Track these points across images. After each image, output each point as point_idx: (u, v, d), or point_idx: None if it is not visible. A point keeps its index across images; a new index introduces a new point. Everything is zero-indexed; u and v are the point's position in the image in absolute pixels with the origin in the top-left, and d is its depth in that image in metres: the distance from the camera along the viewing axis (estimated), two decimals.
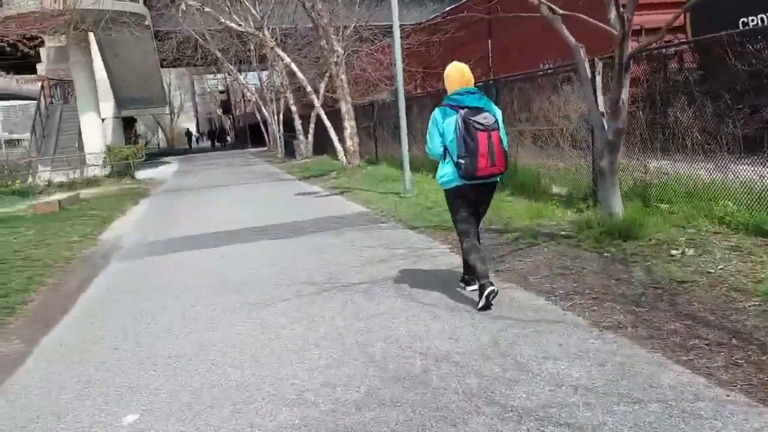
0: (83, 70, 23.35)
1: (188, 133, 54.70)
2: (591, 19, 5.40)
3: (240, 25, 18.16)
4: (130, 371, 3.75)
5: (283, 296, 5.09)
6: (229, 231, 8.65)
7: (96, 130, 23.95)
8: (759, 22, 8.90)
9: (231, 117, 59.98)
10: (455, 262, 5.55)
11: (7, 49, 9.72)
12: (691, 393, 2.83)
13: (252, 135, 42.32)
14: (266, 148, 34.00)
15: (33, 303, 5.66)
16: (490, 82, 11.88)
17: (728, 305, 3.83)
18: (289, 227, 8.51)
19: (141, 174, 21.93)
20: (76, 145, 23.81)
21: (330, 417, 2.92)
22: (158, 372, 3.70)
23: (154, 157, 35.14)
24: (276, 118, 28.20)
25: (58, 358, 4.13)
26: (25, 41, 10.17)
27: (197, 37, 23.88)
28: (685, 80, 6.63)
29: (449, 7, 20.76)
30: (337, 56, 15.27)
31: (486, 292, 4.19)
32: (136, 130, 45.96)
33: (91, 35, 22.48)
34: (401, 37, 11.71)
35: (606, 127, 5.63)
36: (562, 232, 6.17)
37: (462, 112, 4.16)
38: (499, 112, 4.33)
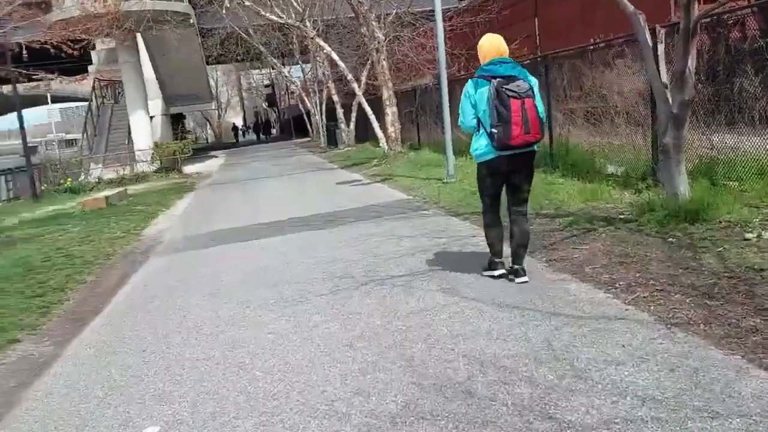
0: (131, 70, 23.73)
1: (234, 128, 55.37)
2: None
3: (281, 18, 17.98)
4: (156, 376, 3.53)
5: (319, 291, 4.80)
6: (269, 222, 8.45)
7: (144, 127, 24.34)
8: None
9: (276, 110, 60.40)
10: (504, 250, 5.14)
11: (52, 51, 9.74)
12: None
13: (296, 126, 42.43)
14: (309, 138, 33.96)
15: (69, 302, 5.56)
16: (538, 59, 11.31)
17: None
18: (329, 217, 8.25)
19: (188, 168, 22.14)
20: (126, 143, 24.28)
21: None
22: (184, 377, 3.47)
23: (202, 152, 35.61)
24: (318, 108, 28.07)
25: (85, 361, 3.96)
26: (69, 43, 10.19)
27: (240, 32, 23.91)
28: (752, 48, 6.01)
29: None
30: (378, 43, 14.90)
31: (495, 273, 4.44)
32: (184, 126, 46.80)
33: (139, 36, 22.83)
34: (444, 20, 11.27)
35: (670, 100, 5.09)
36: (621, 216, 5.68)
37: (495, 81, 4.04)
38: (535, 81, 4.19)
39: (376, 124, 16.40)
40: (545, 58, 9.24)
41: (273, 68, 35.36)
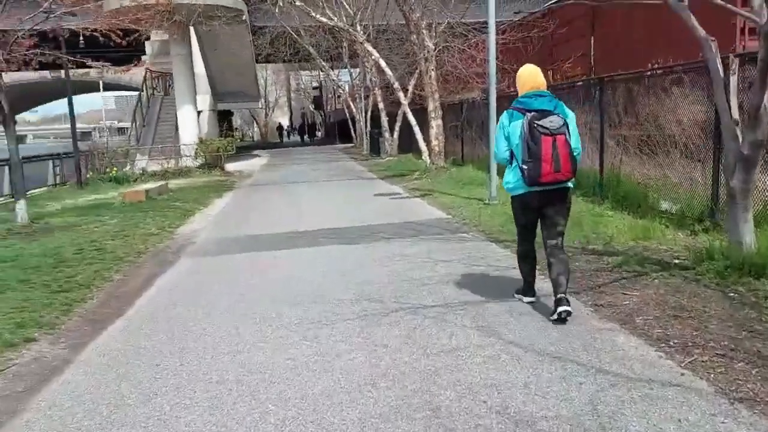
0: (182, 63, 24.03)
1: (279, 128, 55.92)
2: (733, 7, 4.48)
3: (331, 20, 17.91)
4: (165, 397, 3.32)
5: (346, 314, 4.55)
6: (302, 231, 8.26)
7: (191, 122, 24.62)
8: None
9: (322, 113, 60.80)
10: (547, 289, 4.80)
11: (101, 39, 9.81)
12: None
13: (340, 131, 42.57)
14: (353, 144, 33.95)
15: (92, 301, 5.44)
16: (591, 80, 10.88)
17: None
18: (363, 231, 8.01)
19: (231, 166, 22.25)
20: (173, 136, 24.60)
21: None
22: (194, 401, 3.25)
23: (246, 150, 35.95)
24: (363, 114, 27.98)
25: (96, 371, 3.78)
26: (118, 32, 10.25)
27: (291, 32, 24.00)
28: None
29: (550, 3, 19.64)
30: (428, 52, 14.65)
31: (525, 299, 4.49)
32: (231, 123, 47.42)
33: (192, 31, 23.15)
34: (496, 33, 10.95)
35: (740, 139, 4.68)
36: (676, 261, 5.26)
37: (529, 115, 4.00)
38: (572, 116, 4.14)
39: (419, 136, 16.14)
40: (601, 81, 8.82)
41: (321, 71, 35.50)
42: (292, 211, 10.44)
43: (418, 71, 17.32)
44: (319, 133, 59.09)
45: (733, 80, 4.84)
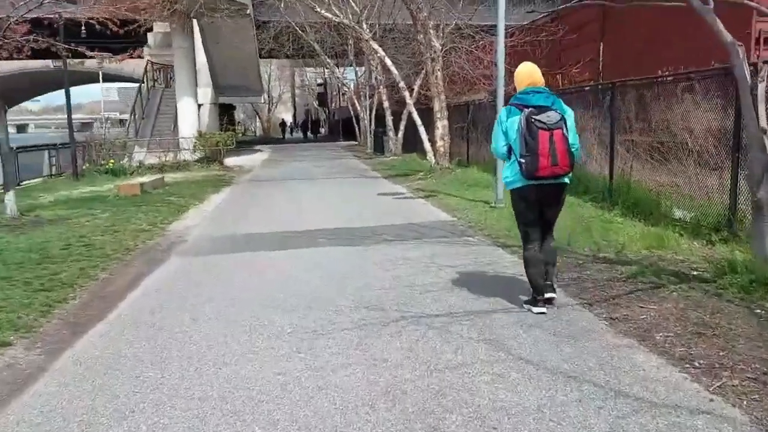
0: (184, 56, 23.73)
1: (282, 124, 55.52)
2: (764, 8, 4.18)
3: (337, 17, 17.61)
4: (142, 415, 3.02)
5: (344, 324, 4.25)
6: (301, 231, 7.96)
7: (191, 115, 24.31)
8: None
9: (326, 110, 60.46)
10: (559, 299, 4.50)
11: (98, 28, 9.51)
12: None
13: (344, 128, 42.27)
14: (357, 142, 33.64)
15: (74, 302, 5.13)
16: (599, 86, 10.58)
17: None
18: (366, 232, 7.71)
19: (230, 161, 21.93)
20: (172, 129, 24.28)
21: None
22: (172, 422, 2.94)
23: (247, 145, 35.64)
24: (368, 113, 27.68)
25: (71, 381, 3.48)
26: (116, 20, 9.95)
27: (296, 27, 23.68)
28: None
29: (559, 7, 19.35)
30: (434, 52, 14.35)
31: (535, 310, 4.24)
32: (233, 117, 47.09)
33: (196, 23, 22.83)
34: (504, 36, 10.64)
35: None
36: (694, 272, 4.96)
37: (526, 111, 4.07)
38: (570, 113, 4.22)
39: (425, 136, 15.84)
40: (613, 86, 8.51)
41: (326, 68, 35.21)
42: (291, 209, 10.14)
43: (424, 71, 17.02)
44: (323, 130, 58.73)
45: (762, 87, 4.54)
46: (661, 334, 3.77)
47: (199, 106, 25.95)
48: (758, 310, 4.03)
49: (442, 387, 3.18)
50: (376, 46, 16.95)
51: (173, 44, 23.58)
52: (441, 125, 14.51)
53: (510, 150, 4.21)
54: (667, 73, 8.51)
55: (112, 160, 19.06)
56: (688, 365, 3.32)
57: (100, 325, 4.49)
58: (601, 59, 17.80)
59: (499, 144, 4.30)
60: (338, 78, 33.47)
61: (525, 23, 19.47)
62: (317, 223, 8.55)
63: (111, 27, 9.60)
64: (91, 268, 6.25)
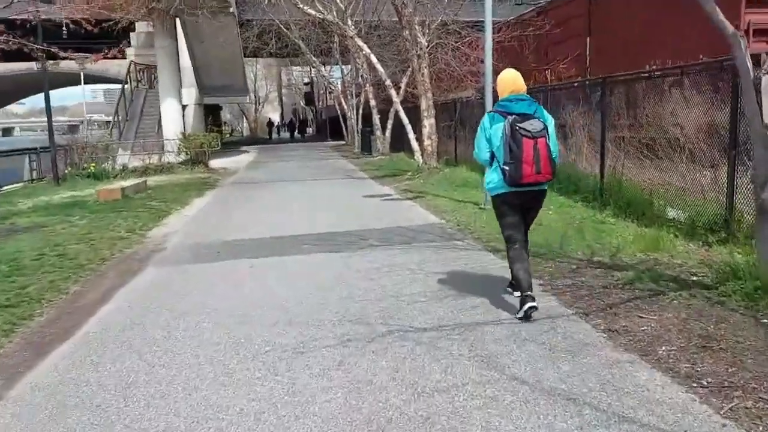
0: (166, 55, 23.33)
1: (270, 124, 55.06)
2: None
3: (321, 13, 17.29)
4: None
5: (326, 340, 3.98)
6: (284, 237, 7.67)
7: (175, 116, 23.90)
8: None
9: (313, 109, 60.06)
10: (553, 308, 4.26)
11: (72, 27, 9.16)
12: None
13: (332, 128, 41.94)
14: (344, 141, 33.35)
15: (40, 319, 4.83)
16: (587, 82, 10.37)
17: None
18: (351, 237, 7.44)
19: (216, 162, 21.56)
20: (156, 131, 23.84)
21: None
22: None
23: (234, 146, 35.24)
24: (355, 112, 27.39)
25: (26, 411, 3.19)
26: (90, 20, 9.59)
27: (280, 25, 23.34)
28: None
29: (545, 1, 19.15)
30: (420, 49, 14.09)
31: (525, 307, 4.10)
32: (219, 118, 46.60)
33: (179, 22, 22.41)
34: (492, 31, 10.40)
35: None
36: (693, 278, 4.74)
37: (510, 118, 4.12)
38: (551, 120, 4.28)
39: (412, 135, 15.59)
40: (604, 81, 8.29)
41: (312, 67, 34.87)
42: (274, 214, 9.84)
43: (410, 69, 16.76)
44: (310, 130, 58.30)
45: (766, 80, 4.31)
46: (663, 348, 3.53)
47: (184, 107, 25.54)
48: (765, 320, 3.80)
49: (430, 413, 2.92)
50: (361, 43, 16.67)
51: (155, 44, 23.17)
52: (428, 124, 14.27)
53: (493, 156, 4.26)
54: (656, 67, 8.33)
55: (93, 164, 18.64)
56: (695, 384, 3.09)
57: (65, 345, 4.19)
58: (588, 55, 17.63)
59: (482, 150, 4.34)
60: (324, 77, 33.09)
61: (511, 18, 19.27)
62: (302, 227, 8.27)
63: (85, 26, 9.22)
64: (62, 280, 5.95)
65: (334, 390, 3.24)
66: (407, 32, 14.14)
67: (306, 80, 58.27)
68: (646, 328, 3.84)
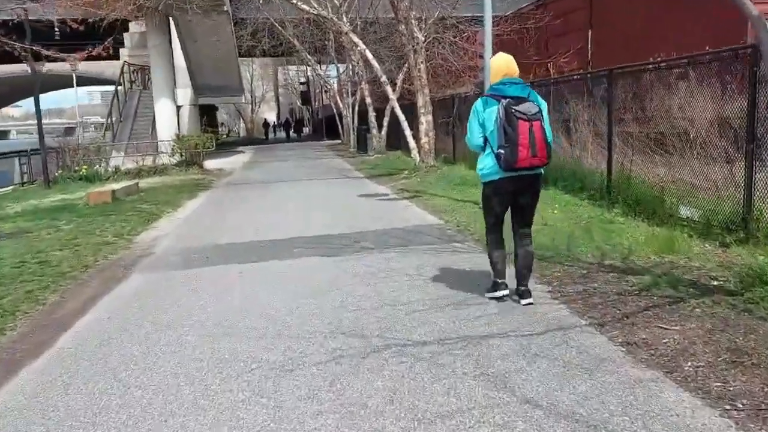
0: (159, 55, 22.96)
1: (266, 124, 54.65)
2: None
3: (314, 9, 16.94)
4: None
5: (317, 355, 3.65)
6: (277, 240, 7.34)
7: (169, 116, 23.55)
8: None
9: (310, 108, 59.66)
10: (564, 318, 3.93)
11: (56, 25, 8.82)
12: None
13: (328, 127, 41.58)
14: (340, 141, 33.00)
15: (12, 333, 4.48)
16: (590, 74, 10.03)
17: None
18: (346, 239, 7.10)
19: (211, 163, 21.19)
20: (150, 132, 23.48)
21: None
22: None
23: (230, 146, 34.87)
24: (351, 110, 27.03)
25: None
26: (75, 19, 9.25)
27: (275, 23, 22.98)
28: None
29: None
30: (417, 43, 13.75)
31: (497, 295, 4.38)
32: (215, 118, 46.19)
33: (172, 21, 22.03)
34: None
35: None
36: (714, 282, 4.41)
37: (504, 101, 4.04)
38: (544, 104, 4.20)
39: (408, 133, 15.25)
40: (610, 73, 7.96)
41: (307, 65, 34.51)
42: (268, 215, 9.51)
43: (406, 65, 16.43)
44: (307, 129, 57.88)
45: None
46: (689, 363, 3.20)
47: (179, 107, 25.18)
48: None
49: None
50: (356, 38, 16.31)
51: (148, 43, 22.83)
52: (425, 120, 13.93)
53: (486, 142, 4.16)
54: (663, 57, 8.00)
55: (85, 166, 18.27)
56: (729, 406, 2.75)
57: (36, 363, 3.85)
58: (590, 48, 17.30)
59: (474, 135, 4.24)
60: (320, 75, 32.73)
61: (509, 12, 18.94)
62: (295, 229, 7.93)
63: (70, 24, 8.87)
64: (40, 290, 5.60)
65: (324, 415, 2.90)
66: (403, 26, 13.79)
67: (302, 80, 57.87)
68: (668, 340, 3.50)
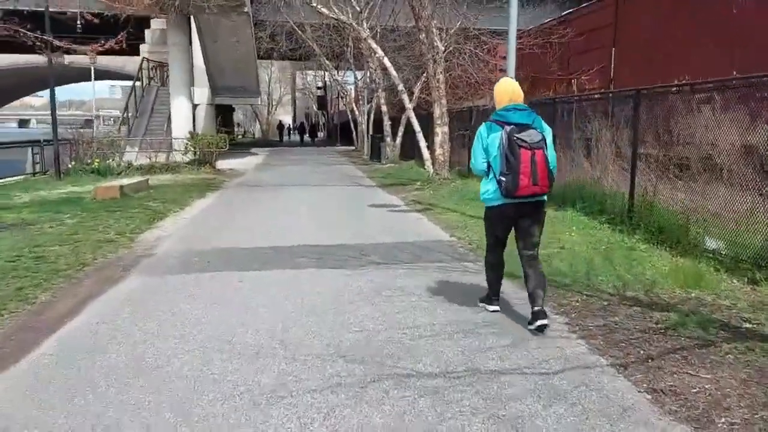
0: (179, 52, 22.88)
1: (280, 126, 54.59)
2: None
3: (334, 12, 16.77)
4: None
5: (312, 382, 3.36)
6: (282, 247, 7.08)
7: (184, 114, 23.44)
8: None
9: (325, 114, 59.65)
10: (583, 356, 3.62)
11: (65, 18, 8.68)
12: None
13: (342, 133, 41.48)
14: (354, 147, 32.82)
15: None
16: (619, 93, 9.73)
17: None
18: (353, 251, 6.83)
19: (223, 164, 21.02)
20: (165, 129, 23.39)
21: None
22: None
23: (244, 147, 34.78)
24: (366, 117, 26.83)
25: None
26: (91, 13, 9.11)
27: (294, 26, 22.86)
28: None
29: (568, 10, 18.54)
30: (437, 53, 13.50)
31: (489, 308, 4.55)
32: (232, 119, 46.19)
33: (193, 20, 21.96)
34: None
35: None
36: (746, 324, 4.07)
37: (507, 128, 4.04)
38: (549, 131, 4.21)
39: (423, 143, 14.99)
40: (637, 93, 7.64)
41: (325, 70, 34.42)
42: (276, 220, 9.25)
43: (424, 74, 16.19)
44: (321, 134, 57.81)
45: None
46: (723, 419, 2.88)
47: (195, 106, 25.10)
48: None
49: None
50: (374, 45, 16.11)
51: (168, 40, 22.77)
52: (441, 132, 13.65)
53: (489, 167, 4.18)
54: (686, 81, 7.69)
55: (98, 160, 18.16)
56: None
57: (10, 371, 3.60)
58: (612, 66, 16.98)
59: (478, 160, 4.25)
60: (337, 80, 32.61)
61: (532, 27, 18.67)
62: (302, 237, 7.67)
63: (86, 17, 8.71)
64: (32, 287, 5.37)
65: None
66: (424, 35, 13.55)
67: (319, 84, 57.87)
68: (698, 390, 3.18)
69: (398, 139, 21.88)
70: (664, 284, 5.06)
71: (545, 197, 4.20)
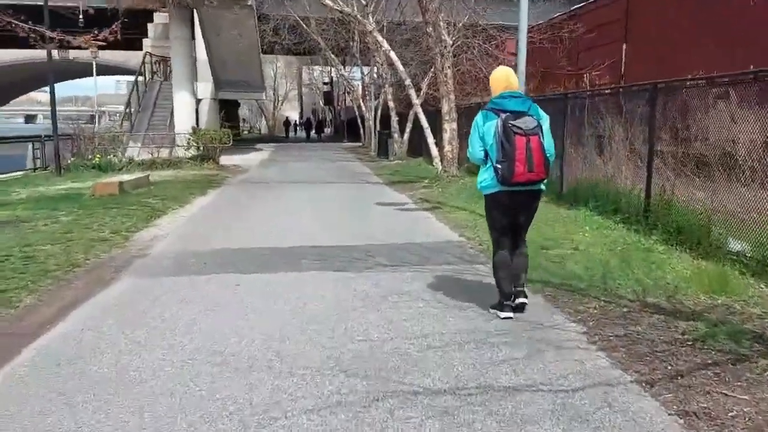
0: (181, 47, 22.63)
1: (287, 122, 54.28)
2: None
3: (338, 4, 16.44)
4: None
5: (309, 400, 3.07)
6: (282, 248, 6.79)
7: (187, 109, 23.20)
8: None
9: (332, 109, 59.32)
10: (604, 371, 3.31)
11: (73, 14, 8.42)
12: None
13: (349, 129, 41.16)
14: (361, 143, 32.51)
15: None
16: (621, 89, 9.39)
17: None
18: (357, 252, 6.53)
19: (227, 159, 20.73)
20: (167, 124, 23.15)
21: None
22: None
23: (249, 143, 34.50)
24: (373, 113, 26.50)
25: None
26: (92, 7, 8.84)
27: (299, 19, 22.53)
28: None
29: (578, 5, 18.15)
30: (444, 47, 13.16)
31: (501, 315, 4.28)
32: (237, 114, 45.93)
33: (196, 14, 21.70)
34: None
35: None
36: None
37: (503, 116, 4.06)
38: (546, 118, 4.23)
39: (431, 140, 14.67)
40: (654, 88, 7.30)
41: (331, 65, 34.09)
42: (279, 219, 8.97)
43: (432, 69, 15.85)
44: (328, 130, 57.48)
45: None
46: None
47: (198, 101, 24.84)
48: None
49: None
50: (380, 38, 15.78)
51: (170, 34, 22.52)
52: (449, 128, 13.33)
53: (486, 155, 4.19)
54: (703, 75, 7.34)
55: (99, 155, 17.92)
56: None
57: None
58: (623, 61, 16.59)
59: (475, 148, 4.27)
60: (344, 76, 32.27)
61: (541, 22, 18.29)
62: (306, 237, 7.38)
63: (85, 10, 8.43)
64: (16, 290, 5.10)
65: None
66: (431, 29, 13.21)
67: (326, 80, 57.52)
68: (735, 413, 2.86)
69: (406, 136, 21.56)
70: (687, 289, 4.73)
71: (542, 186, 4.21)
